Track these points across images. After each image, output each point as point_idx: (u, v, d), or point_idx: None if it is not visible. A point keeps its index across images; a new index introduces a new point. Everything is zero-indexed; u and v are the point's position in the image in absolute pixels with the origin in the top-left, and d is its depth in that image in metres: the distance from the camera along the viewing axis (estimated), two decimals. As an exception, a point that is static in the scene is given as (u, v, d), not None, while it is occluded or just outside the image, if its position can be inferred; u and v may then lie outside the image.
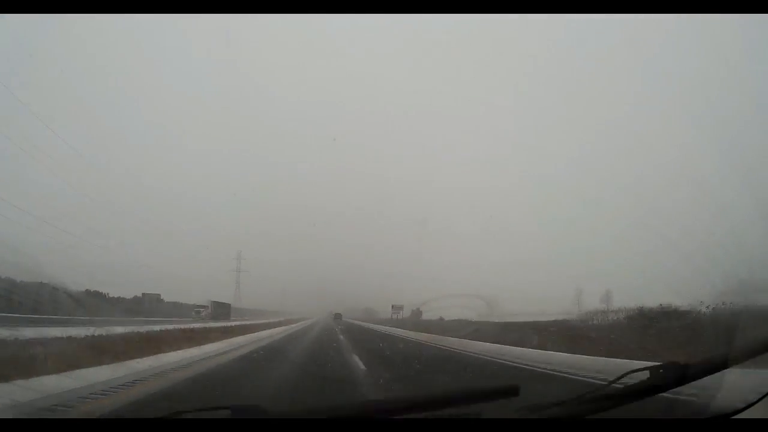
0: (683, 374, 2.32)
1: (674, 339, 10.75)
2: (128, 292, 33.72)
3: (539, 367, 10.22)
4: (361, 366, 10.32)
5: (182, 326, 18.74)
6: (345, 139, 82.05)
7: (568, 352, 11.64)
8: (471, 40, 66.23)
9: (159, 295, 37.78)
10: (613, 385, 2.64)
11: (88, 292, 24.98)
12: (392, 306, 46.49)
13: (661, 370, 2.32)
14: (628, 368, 2.58)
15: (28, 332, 10.24)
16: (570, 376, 8.70)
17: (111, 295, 30.15)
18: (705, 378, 2.47)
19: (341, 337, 23.78)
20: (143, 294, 35.98)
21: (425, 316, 42.22)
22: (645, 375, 2.38)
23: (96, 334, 10.83)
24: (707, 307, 11.71)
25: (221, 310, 42.35)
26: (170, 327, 16.72)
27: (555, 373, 9.29)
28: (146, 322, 20.84)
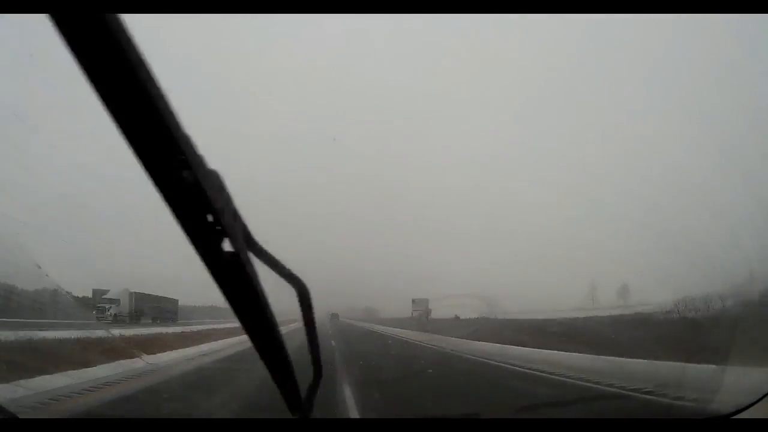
0: None
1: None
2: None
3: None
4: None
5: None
6: (345, 139, 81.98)
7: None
8: (472, 40, 66.36)
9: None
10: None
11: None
12: (413, 301, 35.34)
13: None
14: None
15: None
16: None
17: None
18: (705, 378, 2.48)
19: (332, 343, 16.57)
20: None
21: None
22: None
23: None
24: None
25: (151, 305, 26.82)
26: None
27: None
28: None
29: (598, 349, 9.73)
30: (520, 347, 12.63)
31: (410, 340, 20.97)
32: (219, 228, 0.98)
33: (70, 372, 7.46)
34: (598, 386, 6.85)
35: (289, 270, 1.40)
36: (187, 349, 13.72)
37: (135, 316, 24.26)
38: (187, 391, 7.23)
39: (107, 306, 22.75)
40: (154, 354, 11.15)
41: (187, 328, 20.14)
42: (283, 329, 1.35)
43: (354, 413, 5.57)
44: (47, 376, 6.78)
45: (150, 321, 25.23)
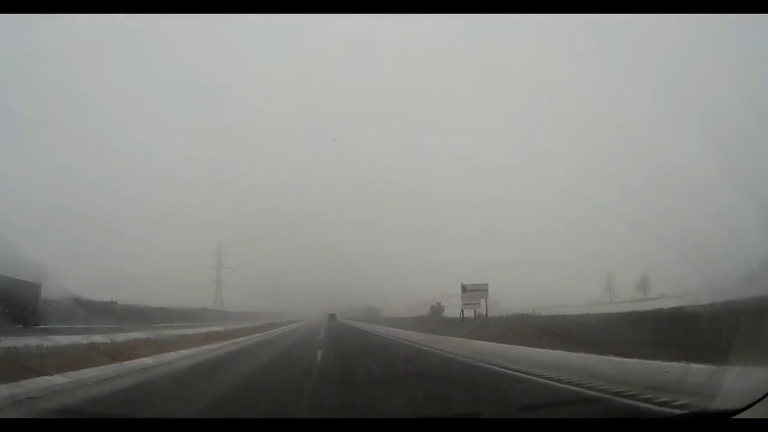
0: None
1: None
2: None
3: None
4: None
5: None
6: (345, 139, 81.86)
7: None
8: (473, 40, 66.30)
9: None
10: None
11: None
12: (464, 288, 22.47)
13: None
14: None
15: None
16: None
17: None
18: (705, 378, 2.48)
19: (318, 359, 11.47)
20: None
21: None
22: None
23: None
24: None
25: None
26: None
27: None
28: None
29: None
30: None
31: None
32: None
33: None
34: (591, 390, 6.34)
35: None
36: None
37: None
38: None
39: None
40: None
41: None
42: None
43: None
44: None
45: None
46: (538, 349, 11.41)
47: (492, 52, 66.21)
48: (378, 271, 58.20)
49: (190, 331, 19.36)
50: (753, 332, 4.45)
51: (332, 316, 55.59)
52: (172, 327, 22.05)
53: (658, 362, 7.37)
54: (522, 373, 8.04)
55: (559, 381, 6.91)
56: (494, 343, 13.86)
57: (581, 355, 9.65)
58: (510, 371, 8.34)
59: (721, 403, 2.63)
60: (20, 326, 13.98)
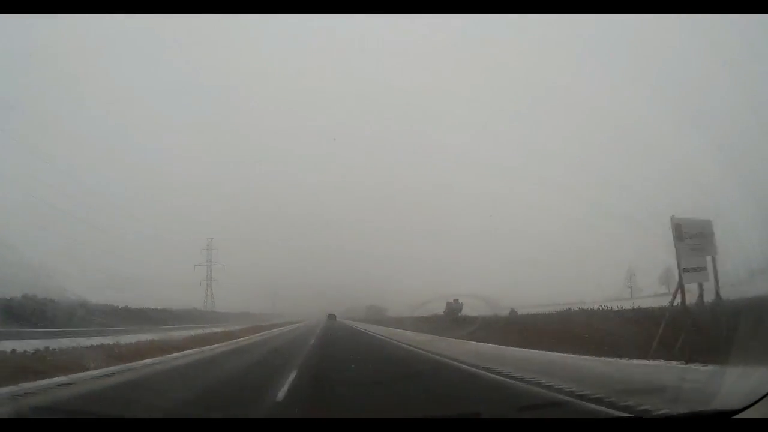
0: None
1: None
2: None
3: None
4: None
5: None
6: (345, 139, 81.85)
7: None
8: (473, 40, 66.26)
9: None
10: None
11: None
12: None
13: None
14: None
15: None
16: None
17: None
18: (705, 378, 2.48)
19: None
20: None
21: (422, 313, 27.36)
22: None
23: None
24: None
25: None
26: None
27: None
28: None
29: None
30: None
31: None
32: None
33: None
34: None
35: None
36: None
37: None
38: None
39: None
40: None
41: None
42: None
43: None
44: None
45: None
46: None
47: (492, 52, 66.25)
48: (379, 270, 58.05)
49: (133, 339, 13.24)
50: (753, 332, 4.45)
51: (332, 316, 55.09)
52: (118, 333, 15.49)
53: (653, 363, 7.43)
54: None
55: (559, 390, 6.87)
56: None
57: (580, 356, 9.72)
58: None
59: (720, 403, 2.62)
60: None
